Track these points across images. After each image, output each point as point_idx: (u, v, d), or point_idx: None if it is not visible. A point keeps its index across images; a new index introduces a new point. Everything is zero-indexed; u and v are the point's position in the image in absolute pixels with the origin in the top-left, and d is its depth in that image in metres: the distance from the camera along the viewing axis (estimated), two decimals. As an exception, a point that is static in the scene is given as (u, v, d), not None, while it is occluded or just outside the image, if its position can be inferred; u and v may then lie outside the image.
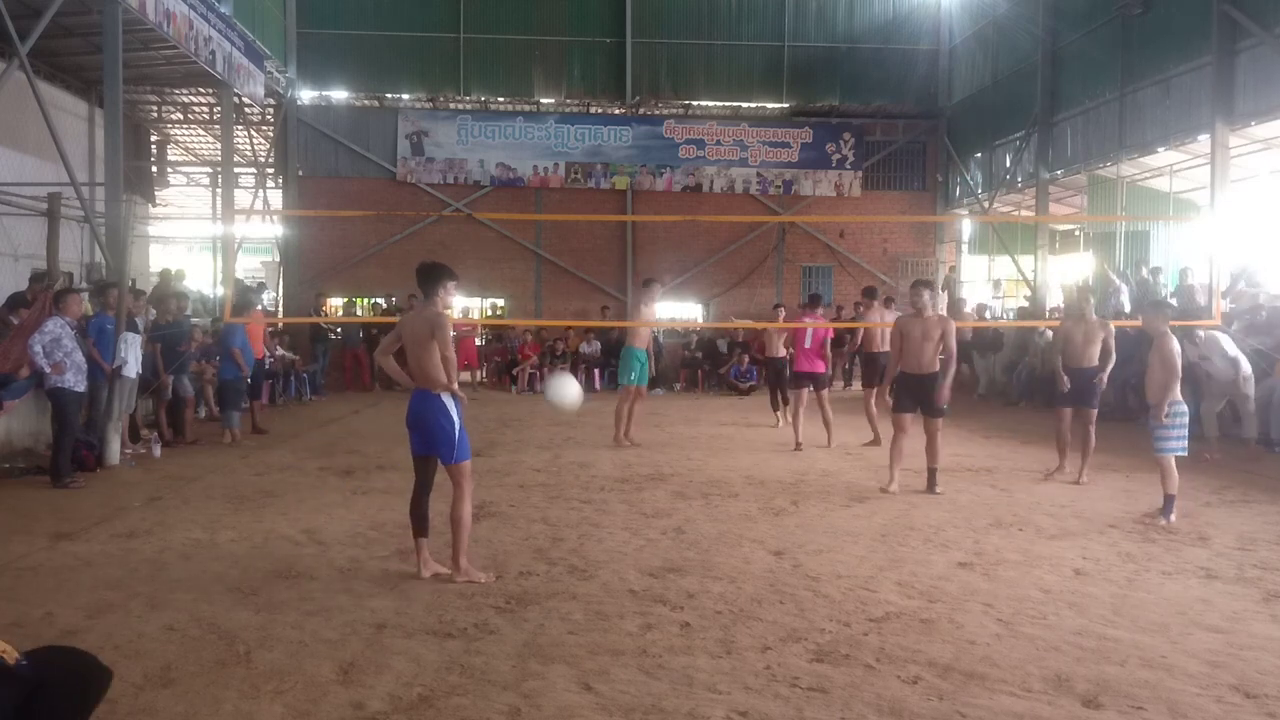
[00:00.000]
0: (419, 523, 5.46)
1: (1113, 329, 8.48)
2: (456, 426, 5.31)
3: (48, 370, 8.14)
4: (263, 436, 11.31)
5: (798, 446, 10.45)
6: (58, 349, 8.18)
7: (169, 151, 21.65)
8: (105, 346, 9.05)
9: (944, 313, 11.38)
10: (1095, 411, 8.50)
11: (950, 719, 3.56)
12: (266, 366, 13.17)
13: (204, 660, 4.06)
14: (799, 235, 20.87)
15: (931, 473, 7.99)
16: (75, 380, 8.32)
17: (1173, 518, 6.79)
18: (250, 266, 26.10)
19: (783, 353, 12.16)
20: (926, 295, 7.96)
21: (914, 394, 8.01)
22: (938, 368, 7.93)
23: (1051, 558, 5.88)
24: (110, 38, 10.70)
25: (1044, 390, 14.91)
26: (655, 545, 6.19)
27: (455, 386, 5.36)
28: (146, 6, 11.53)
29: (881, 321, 11.56)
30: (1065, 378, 8.54)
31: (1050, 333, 15.17)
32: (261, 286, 18.36)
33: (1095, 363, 8.38)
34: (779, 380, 12.36)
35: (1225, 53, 11.86)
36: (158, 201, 20.68)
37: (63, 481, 8.05)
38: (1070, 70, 16.04)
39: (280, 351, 15.53)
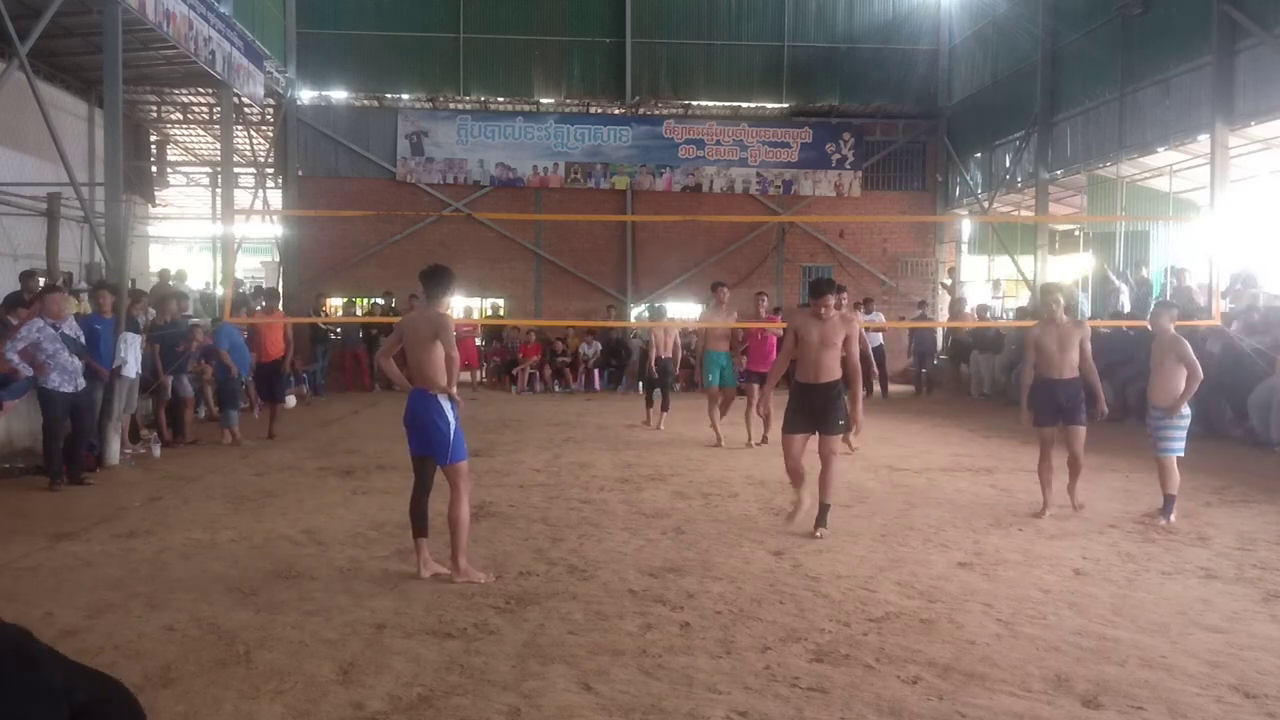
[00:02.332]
0: (418, 522, 5.47)
1: (1089, 330, 7.22)
2: (452, 427, 5.32)
3: (28, 374, 7.99)
4: (265, 440, 11.21)
5: (756, 442, 10.79)
6: (39, 352, 7.94)
7: (169, 151, 21.65)
8: (95, 347, 9.01)
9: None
10: (1083, 429, 7.08)
11: (950, 719, 3.56)
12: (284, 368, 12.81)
13: (204, 660, 4.06)
14: (799, 235, 20.87)
15: (823, 510, 6.53)
16: (60, 381, 8.05)
17: (1173, 518, 6.80)
18: (250, 266, 26.10)
19: (668, 353, 12.36)
20: (832, 299, 6.54)
21: (809, 409, 6.59)
22: (836, 376, 6.58)
23: (1051, 558, 5.88)
24: (110, 38, 10.69)
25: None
26: (655, 545, 6.19)
27: (454, 389, 5.37)
28: (146, 6, 11.53)
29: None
30: (1028, 411, 7.27)
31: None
32: (259, 290, 18.39)
33: (1075, 372, 7.03)
34: (664, 380, 12.37)
35: (1225, 53, 11.87)
36: (158, 201, 20.68)
37: (54, 485, 7.98)
38: (1070, 70, 16.04)
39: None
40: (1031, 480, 8.59)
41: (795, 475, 6.71)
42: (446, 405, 5.34)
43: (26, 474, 8.50)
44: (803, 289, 20.88)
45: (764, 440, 10.69)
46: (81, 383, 8.28)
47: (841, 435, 6.58)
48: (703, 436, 11.18)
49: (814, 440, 6.68)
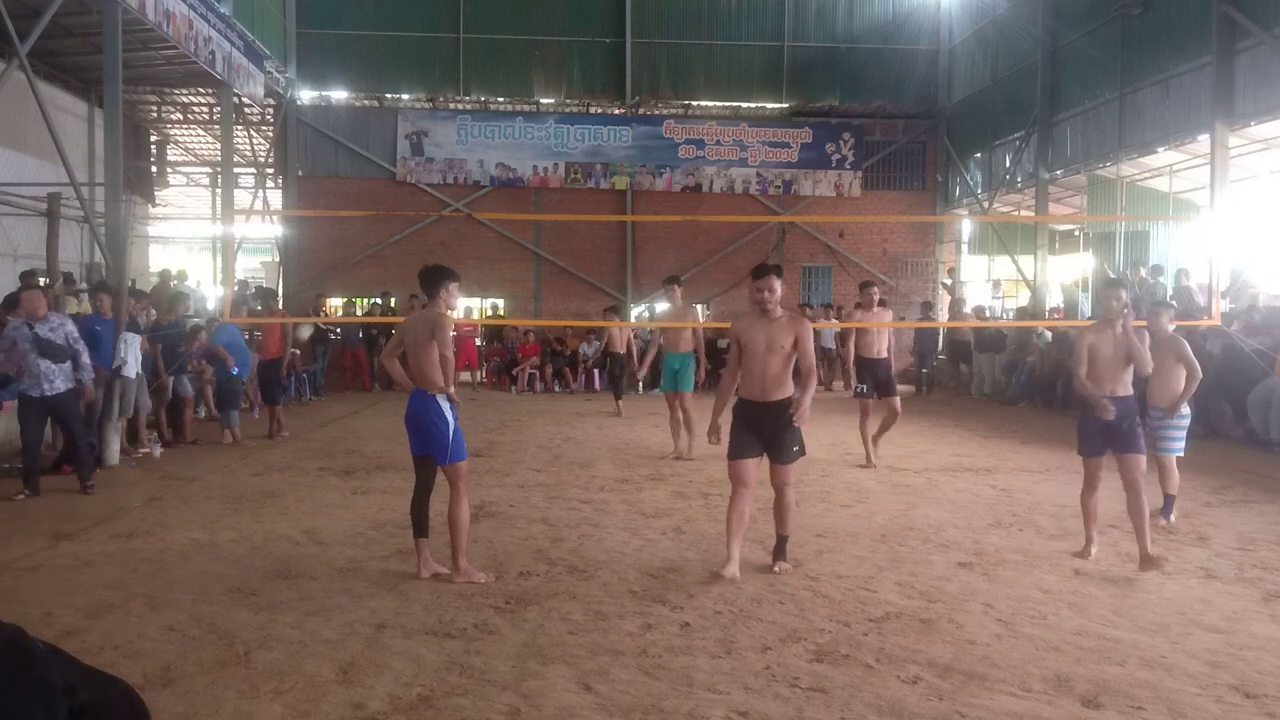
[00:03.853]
0: (419, 523, 5.47)
1: (1146, 339, 6.02)
2: (451, 427, 5.32)
3: (11, 372, 7.77)
4: (265, 440, 11.18)
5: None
6: (14, 351, 7.63)
7: (169, 151, 21.66)
8: (94, 348, 8.97)
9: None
10: (1142, 458, 5.82)
11: (950, 719, 3.56)
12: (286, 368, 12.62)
13: (204, 660, 4.06)
14: (799, 235, 20.88)
15: (781, 541, 5.64)
16: (29, 385, 7.63)
17: (1173, 518, 6.80)
18: (250, 266, 26.11)
19: (622, 349, 14.27)
20: (778, 285, 5.48)
21: (757, 430, 5.48)
22: (789, 392, 5.49)
23: (1051, 558, 5.89)
24: (110, 38, 10.69)
25: (1044, 391, 14.95)
26: (655, 545, 6.19)
27: (451, 389, 5.37)
28: (146, 6, 11.52)
29: (879, 322, 10.03)
30: (1108, 406, 5.74)
31: (1049, 333, 15.21)
32: (259, 291, 18.37)
33: (1130, 389, 5.89)
34: (621, 375, 14.39)
35: (1225, 53, 11.87)
36: (158, 201, 20.69)
37: (26, 488, 7.66)
38: (1070, 70, 16.04)
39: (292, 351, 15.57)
40: (1032, 481, 8.61)
41: (736, 520, 5.47)
42: (446, 405, 5.34)
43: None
44: (802, 289, 20.90)
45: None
46: (58, 386, 7.70)
47: (795, 461, 5.47)
48: (698, 440, 10.23)
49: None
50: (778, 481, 5.54)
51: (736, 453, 5.51)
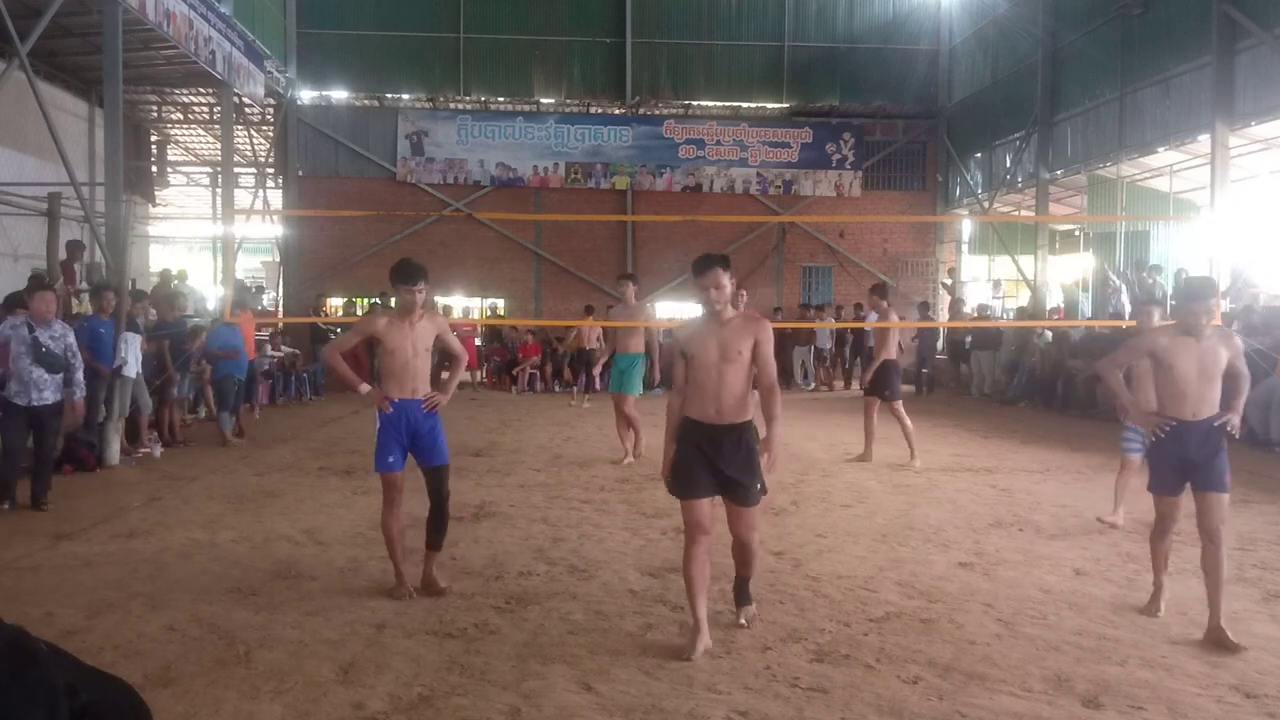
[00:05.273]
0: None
1: (1240, 346, 4.82)
2: (377, 430, 5.25)
3: None
4: (244, 441, 11.02)
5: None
6: (5, 351, 7.16)
7: (169, 151, 21.65)
8: (99, 349, 8.97)
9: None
10: (1226, 497, 4.69)
11: (950, 719, 3.56)
12: (265, 367, 12.96)
13: (204, 660, 4.06)
14: (799, 235, 20.87)
15: (742, 582, 4.62)
16: (15, 390, 7.12)
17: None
18: (250, 266, 26.09)
19: (591, 345, 15.45)
20: (726, 280, 4.39)
21: (708, 459, 4.31)
22: (749, 415, 4.38)
23: (1051, 558, 5.88)
24: (110, 38, 10.69)
25: (1044, 391, 14.95)
26: (655, 545, 6.19)
27: (362, 389, 5.31)
28: (146, 6, 11.52)
29: (890, 322, 9.91)
30: (1141, 414, 5.04)
31: (1049, 333, 15.21)
32: (259, 290, 18.39)
33: (1216, 408, 4.70)
34: (586, 368, 15.38)
35: (1225, 53, 11.87)
36: (158, 201, 20.68)
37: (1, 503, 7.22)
38: (1070, 70, 16.05)
39: (282, 350, 15.59)
40: (1032, 481, 8.60)
41: (698, 575, 4.27)
42: (377, 410, 5.25)
43: (26, 474, 8.45)
44: (802, 289, 20.89)
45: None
46: (47, 398, 7.22)
47: (759, 502, 4.43)
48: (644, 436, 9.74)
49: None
50: (739, 527, 4.43)
51: (686, 491, 4.34)
